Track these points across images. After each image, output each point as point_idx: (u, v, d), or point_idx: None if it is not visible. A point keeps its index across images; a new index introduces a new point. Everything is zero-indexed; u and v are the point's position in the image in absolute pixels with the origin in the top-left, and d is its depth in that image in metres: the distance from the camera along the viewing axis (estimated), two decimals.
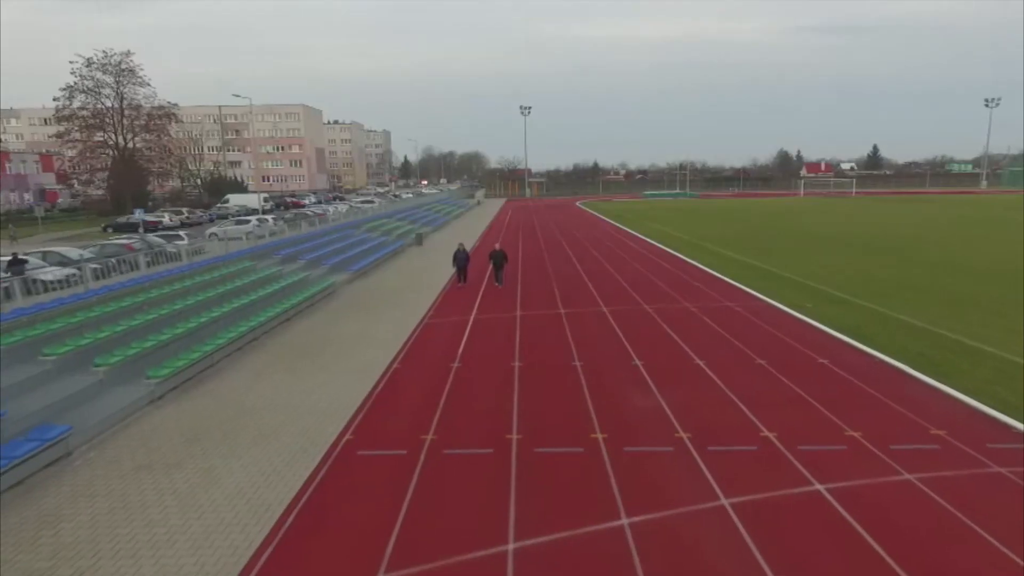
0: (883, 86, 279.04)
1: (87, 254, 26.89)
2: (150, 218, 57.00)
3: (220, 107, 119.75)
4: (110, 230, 54.74)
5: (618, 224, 53.43)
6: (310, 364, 14.66)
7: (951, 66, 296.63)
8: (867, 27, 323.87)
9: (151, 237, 33.49)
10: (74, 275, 19.31)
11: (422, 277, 27.54)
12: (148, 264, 19.83)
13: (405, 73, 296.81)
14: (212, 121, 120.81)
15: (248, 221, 43.81)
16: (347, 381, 13.33)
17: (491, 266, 24.85)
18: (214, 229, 42.67)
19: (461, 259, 24.45)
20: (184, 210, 64.15)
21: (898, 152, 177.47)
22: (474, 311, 20.10)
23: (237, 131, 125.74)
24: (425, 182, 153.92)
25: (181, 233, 36.24)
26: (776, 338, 16.31)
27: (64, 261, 23.41)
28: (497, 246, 25.45)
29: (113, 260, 19.74)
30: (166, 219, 57.63)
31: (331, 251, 29.81)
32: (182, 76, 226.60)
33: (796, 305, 20.11)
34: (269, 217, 47.29)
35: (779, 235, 41.43)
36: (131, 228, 54.09)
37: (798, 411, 11.36)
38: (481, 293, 22.97)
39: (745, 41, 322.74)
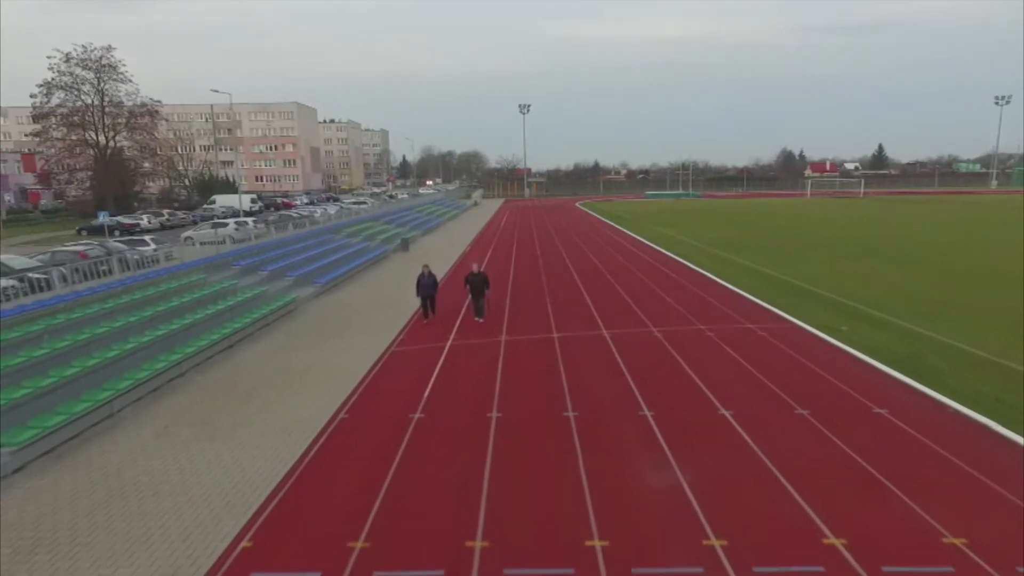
0: (885, 85, 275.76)
1: (34, 263, 24.06)
2: (127, 220, 54.27)
3: (212, 106, 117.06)
4: (84, 232, 51.99)
5: (620, 227, 50.45)
6: (233, 415, 11.66)
7: (953, 65, 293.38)
8: (868, 27, 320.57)
9: (111, 243, 30.52)
10: (12, 288, 16.44)
11: (400, 291, 24.50)
12: (71, 280, 16.88)
13: (404, 72, 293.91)
14: (204, 120, 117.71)
15: (226, 224, 41.01)
16: (272, 443, 10.34)
17: (468, 290, 18.80)
18: (189, 233, 39.85)
19: (426, 287, 18.65)
20: (165, 212, 61.30)
21: (901, 151, 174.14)
22: (451, 335, 17.12)
23: (230, 130, 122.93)
24: (430, 182, 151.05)
25: (147, 238, 33.21)
26: (814, 375, 13.31)
27: (5, 271, 20.54)
28: (476, 267, 18.93)
29: (57, 272, 16.80)
30: (144, 221, 54.83)
31: (302, 259, 26.83)
32: (179, 76, 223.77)
33: (829, 328, 17.13)
34: (249, 220, 44.33)
35: (793, 240, 38.42)
36: (107, 231, 51.35)
37: (870, 498, 8.36)
38: (456, 327, 18.14)
39: (747, 41, 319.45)
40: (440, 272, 26.75)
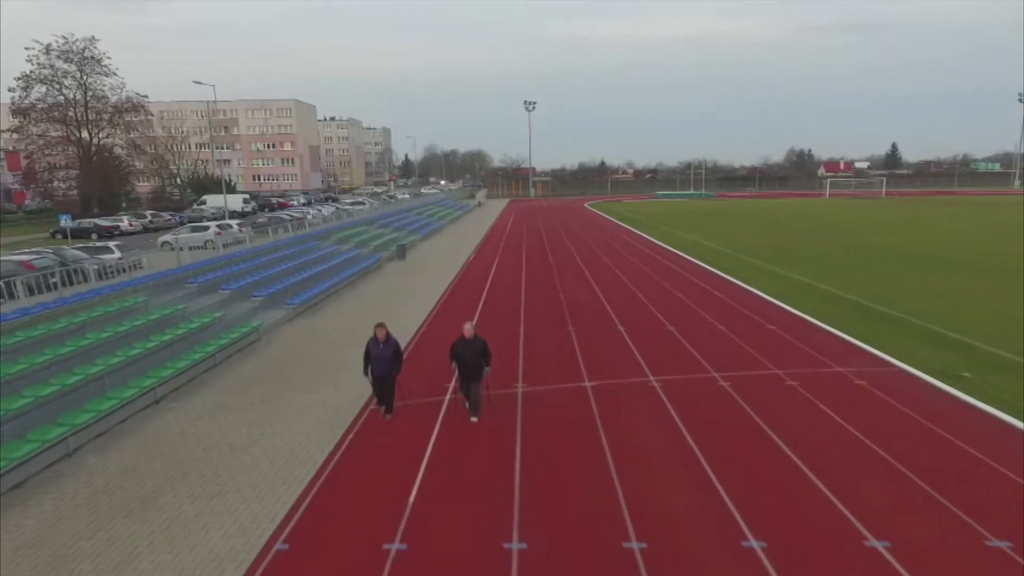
0: (888, 85, 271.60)
1: None
2: (105, 223, 50.58)
3: (208, 103, 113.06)
4: (59, 236, 48.31)
5: (637, 231, 46.27)
6: (112, 542, 7.54)
7: (956, 65, 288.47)
8: (871, 26, 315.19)
9: (69, 251, 26.55)
10: None
11: (392, 312, 20.47)
12: None
13: (407, 71, 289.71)
14: (199, 117, 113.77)
15: (207, 228, 37.11)
16: None
17: (455, 372, 11.34)
18: (167, 237, 36.00)
19: (381, 362, 11.03)
20: (148, 213, 57.37)
21: (906, 150, 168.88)
22: (451, 384, 13.01)
23: (226, 128, 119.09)
24: (443, 182, 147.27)
25: (111, 244, 29.21)
26: (978, 464, 9.14)
27: None
28: (468, 329, 11.08)
29: None
30: (125, 223, 51.07)
31: (277, 272, 22.75)
32: (182, 76, 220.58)
33: (945, 374, 13.04)
34: (234, 223, 40.36)
35: (837, 246, 34.15)
36: (83, 234, 47.65)
37: None
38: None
39: (751, 40, 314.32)
40: (425, 307, 21.28)
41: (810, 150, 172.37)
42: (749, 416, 11.09)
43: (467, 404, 11.31)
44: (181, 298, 17.64)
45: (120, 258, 23.42)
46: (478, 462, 9.56)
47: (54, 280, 17.61)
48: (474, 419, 11.12)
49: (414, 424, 11.01)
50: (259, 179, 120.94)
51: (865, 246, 34.29)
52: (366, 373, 11.19)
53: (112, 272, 18.79)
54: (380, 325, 11.28)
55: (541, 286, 24.29)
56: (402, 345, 15.93)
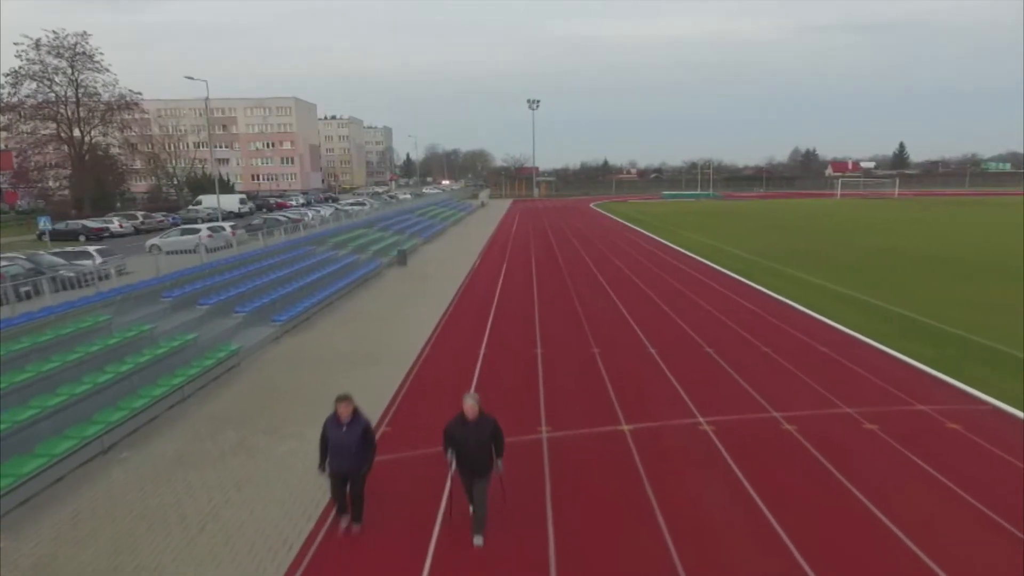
0: (892, 84, 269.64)
1: None
2: (95, 224, 48.51)
3: (205, 99, 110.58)
4: (45, 238, 46.26)
5: (648, 233, 44.10)
6: None
7: (960, 64, 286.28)
8: (873, 26, 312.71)
9: (46, 256, 24.48)
10: None
11: (392, 328, 18.32)
12: None
13: (409, 71, 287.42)
14: (197, 115, 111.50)
15: (197, 230, 35.01)
16: None
17: (451, 460, 7.42)
18: (155, 240, 33.91)
19: (343, 450, 7.47)
20: (139, 214, 55.25)
21: (912, 150, 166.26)
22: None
23: (224, 126, 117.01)
24: (445, 181, 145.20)
25: (91, 249, 27.11)
26: None
27: None
28: (470, 406, 7.31)
29: None
30: (115, 225, 48.98)
31: (265, 283, 20.61)
32: (183, 76, 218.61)
33: None
34: (227, 225, 38.22)
35: (860, 250, 31.98)
36: (71, 236, 45.65)
37: None
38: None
39: (752, 40, 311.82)
40: (429, 322, 19.83)
41: (815, 149, 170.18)
42: (833, 475, 8.92)
43: (474, 519, 7.51)
44: (151, 315, 15.49)
45: (103, 263, 21.53)
46: (501, 552, 7.40)
47: (25, 289, 15.66)
48: (479, 538, 7.44)
49: (415, 495, 8.86)
50: (258, 178, 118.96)
51: (891, 249, 32.14)
52: (322, 467, 7.65)
53: (83, 282, 16.63)
54: (343, 399, 7.54)
55: (555, 297, 22.11)
56: (404, 371, 13.92)
